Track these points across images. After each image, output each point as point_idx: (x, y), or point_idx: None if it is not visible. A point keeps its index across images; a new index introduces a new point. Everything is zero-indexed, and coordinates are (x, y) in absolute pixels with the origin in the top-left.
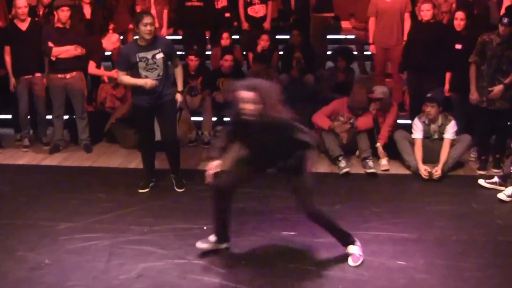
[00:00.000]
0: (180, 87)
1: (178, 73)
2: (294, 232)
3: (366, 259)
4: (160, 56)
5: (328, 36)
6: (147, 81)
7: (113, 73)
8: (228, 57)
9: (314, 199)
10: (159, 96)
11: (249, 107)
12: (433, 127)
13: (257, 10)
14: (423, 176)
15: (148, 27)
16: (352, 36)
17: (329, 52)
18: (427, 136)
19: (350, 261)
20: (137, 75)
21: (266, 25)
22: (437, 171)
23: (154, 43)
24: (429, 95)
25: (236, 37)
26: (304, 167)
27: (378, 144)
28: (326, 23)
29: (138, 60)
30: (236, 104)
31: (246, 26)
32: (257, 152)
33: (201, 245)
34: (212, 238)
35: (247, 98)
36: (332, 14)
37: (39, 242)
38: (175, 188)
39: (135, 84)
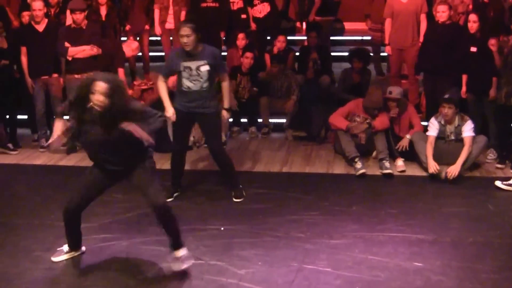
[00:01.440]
0: (226, 104)
1: (225, 88)
2: (310, 233)
3: (382, 260)
4: (205, 68)
5: (342, 38)
6: (171, 115)
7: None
8: (248, 54)
9: (162, 191)
10: (200, 106)
11: (99, 99)
12: (449, 128)
13: (260, 10)
14: (431, 171)
15: (185, 39)
16: (368, 37)
17: (345, 54)
18: (442, 136)
19: (176, 266)
20: (180, 83)
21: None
22: (453, 170)
23: (200, 54)
24: (446, 96)
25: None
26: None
27: (409, 136)
28: (329, 26)
29: (182, 69)
30: (88, 95)
31: (254, 27)
32: (98, 152)
33: (56, 258)
34: (66, 248)
35: (101, 89)
36: (334, 18)
37: (56, 242)
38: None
39: (163, 100)
